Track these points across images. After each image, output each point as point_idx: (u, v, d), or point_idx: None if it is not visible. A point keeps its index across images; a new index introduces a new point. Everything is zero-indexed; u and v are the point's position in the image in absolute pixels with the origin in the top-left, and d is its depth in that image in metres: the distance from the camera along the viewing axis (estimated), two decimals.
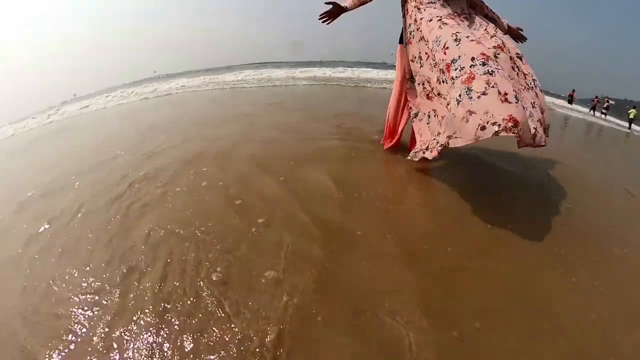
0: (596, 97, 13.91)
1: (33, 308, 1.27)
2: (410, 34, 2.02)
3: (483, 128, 1.41)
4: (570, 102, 14.33)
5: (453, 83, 1.56)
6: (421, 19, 1.87)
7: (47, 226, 1.81)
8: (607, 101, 13.33)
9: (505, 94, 1.41)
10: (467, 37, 1.62)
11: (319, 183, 1.98)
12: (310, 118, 3.78)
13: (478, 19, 1.90)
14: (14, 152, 4.22)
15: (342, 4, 2.05)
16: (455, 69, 1.56)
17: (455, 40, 1.61)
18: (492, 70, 1.47)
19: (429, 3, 1.90)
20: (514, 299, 1.25)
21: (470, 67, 1.51)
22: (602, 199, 2.26)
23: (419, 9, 1.92)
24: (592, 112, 13.25)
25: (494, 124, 1.38)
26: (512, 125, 1.36)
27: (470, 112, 1.44)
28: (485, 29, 1.81)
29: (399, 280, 1.30)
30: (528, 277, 1.35)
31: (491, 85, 1.43)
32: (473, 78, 1.47)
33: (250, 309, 1.15)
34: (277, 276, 1.29)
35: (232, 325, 1.09)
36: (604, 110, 13.15)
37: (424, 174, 2.25)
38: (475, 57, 1.53)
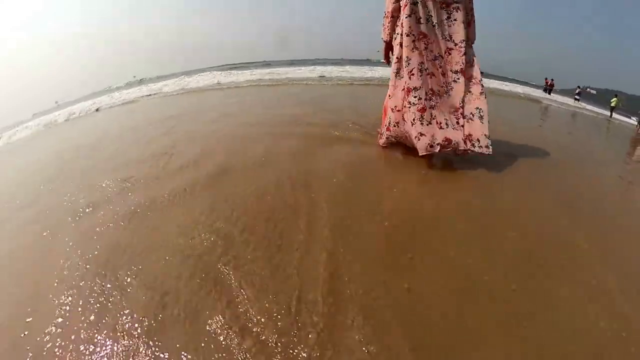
0: (546, 78, 16.28)
1: None
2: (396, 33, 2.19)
3: (431, 145, 2.02)
4: (549, 91, 14.95)
5: (409, 107, 2.07)
6: (402, 26, 2.09)
7: None
8: (579, 87, 14.88)
9: (440, 123, 2.06)
10: (426, 69, 2.08)
11: None
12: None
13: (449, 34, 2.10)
14: None
15: (384, 39, 2.28)
16: (414, 97, 2.06)
17: (420, 70, 2.06)
18: (433, 105, 2.08)
19: (409, 5, 2.04)
20: None
21: (425, 99, 2.05)
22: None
23: (405, 7, 2.07)
24: (547, 92, 15.08)
25: (438, 144, 2.02)
26: (447, 143, 2.03)
27: (421, 134, 2.03)
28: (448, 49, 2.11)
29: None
30: None
31: (433, 117, 2.06)
32: (424, 109, 2.05)
33: None
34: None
35: None
36: (576, 97, 14.48)
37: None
38: (427, 91, 2.07)
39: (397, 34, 2.14)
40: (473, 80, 2.11)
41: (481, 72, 2.11)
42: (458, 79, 2.09)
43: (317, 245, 1.36)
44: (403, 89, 2.13)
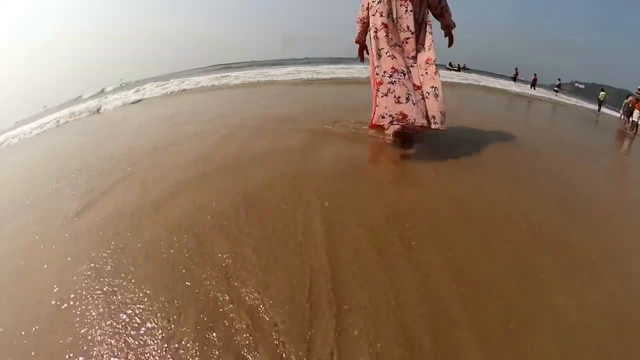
0: (515, 69, 16.96)
1: None
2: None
3: (383, 117, 2.21)
4: (533, 86, 15.40)
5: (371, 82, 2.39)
6: (369, 23, 2.40)
7: None
8: (559, 80, 15.72)
9: (399, 97, 2.17)
10: (387, 52, 2.28)
11: None
12: None
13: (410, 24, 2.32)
14: None
15: (355, 41, 2.64)
16: (376, 73, 2.30)
17: (379, 55, 2.30)
18: (394, 81, 2.21)
19: (374, 5, 2.34)
20: None
21: (383, 76, 2.24)
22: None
23: (370, 9, 2.39)
24: (515, 81, 16.53)
25: (390, 115, 2.18)
26: (401, 117, 2.16)
27: (376, 106, 2.27)
28: (409, 37, 2.33)
29: None
30: None
31: (391, 91, 2.19)
32: (381, 83, 2.24)
33: None
34: None
35: None
36: (555, 88, 15.41)
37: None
38: (386, 70, 2.25)
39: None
40: (428, 61, 2.30)
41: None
42: (414, 64, 2.32)
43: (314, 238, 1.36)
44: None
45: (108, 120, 5.17)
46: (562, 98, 13.17)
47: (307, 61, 17.78)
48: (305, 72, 10.66)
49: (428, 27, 2.35)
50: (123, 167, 2.30)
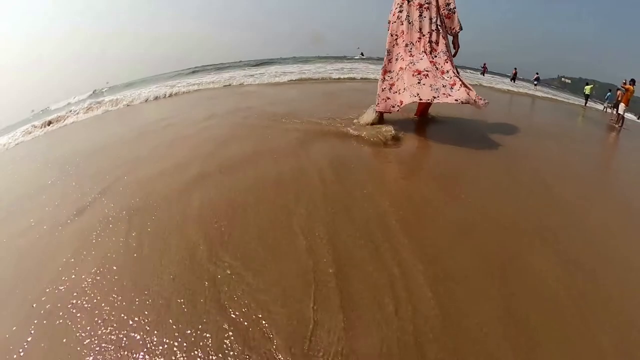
0: (484, 63, 18.21)
1: None
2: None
3: (393, 106, 2.82)
4: (513, 80, 16.17)
5: (384, 81, 2.89)
6: (390, 28, 2.89)
7: None
8: (537, 74, 16.47)
9: (399, 90, 2.77)
10: (401, 56, 2.83)
11: None
12: None
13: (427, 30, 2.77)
14: None
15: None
16: (389, 77, 2.87)
17: (396, 59, 2.86)
18: (399, 78, 2.78)
19: (397, 14, 2.82)
20: None
21: (396, 79, 2.82)
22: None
23: (394, 15, 2.86)
24: (484, 74, 17.48)
25: (396, 105, 2.80)
26: (400, 104, 2.74)
27: (387, 98, 2.86)
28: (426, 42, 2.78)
29: None
30: None
31: (398, 88, 2.79)
32: (393, 84, 2.84)
33: None
34: None
35: None
36: (534, 82, 16.18)
37: None
38: (397, 71, 2.83)
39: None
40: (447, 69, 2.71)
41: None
42: (422, 58, 2.73)
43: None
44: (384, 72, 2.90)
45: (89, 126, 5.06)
46: (551, 94, 13.31)
47: (295, 60, 17.76)
48: (294, 72, 10.58)
49: (442, 30, 2.73)
50: (121, 168, 2.27)
